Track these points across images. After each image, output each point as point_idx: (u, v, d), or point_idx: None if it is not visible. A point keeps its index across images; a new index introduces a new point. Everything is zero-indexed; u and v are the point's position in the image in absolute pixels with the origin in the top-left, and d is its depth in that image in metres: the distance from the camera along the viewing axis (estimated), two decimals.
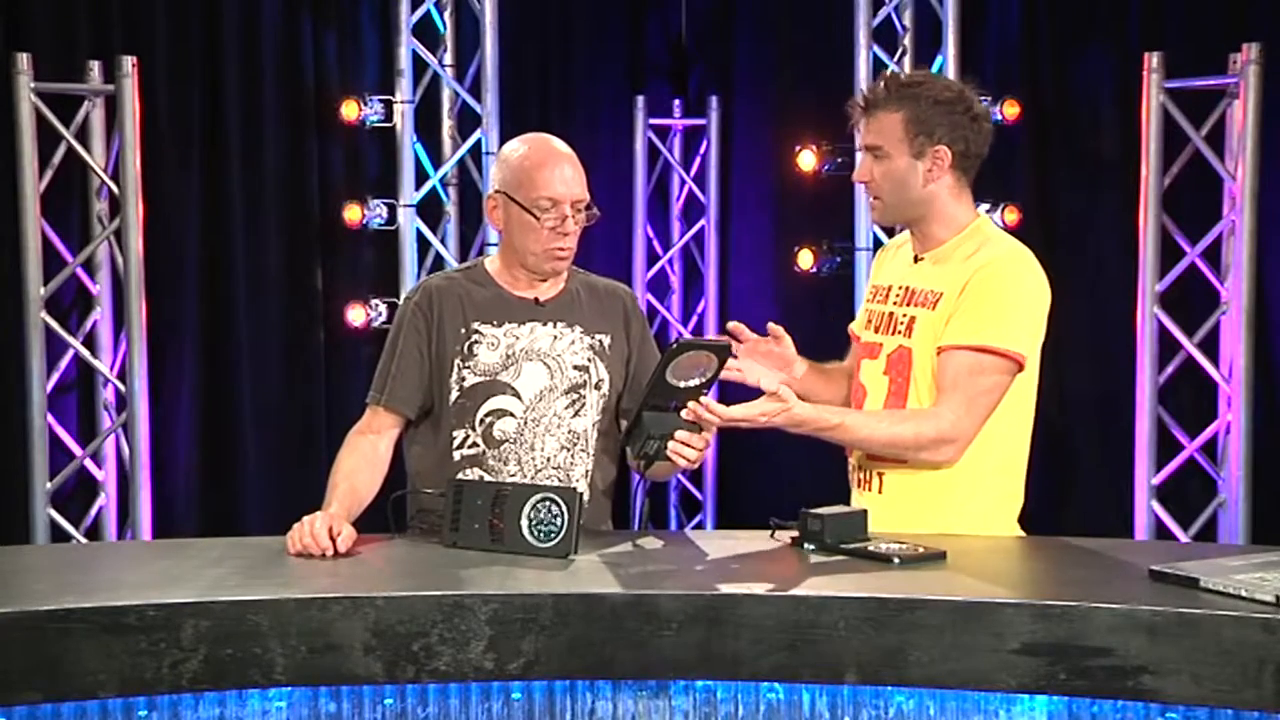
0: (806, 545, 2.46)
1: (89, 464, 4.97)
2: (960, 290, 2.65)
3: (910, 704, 2.18)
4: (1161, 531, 4.98)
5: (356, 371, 5.27)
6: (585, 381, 2.77)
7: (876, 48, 5.22)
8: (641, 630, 2.11)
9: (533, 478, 2.72)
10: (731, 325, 2.76)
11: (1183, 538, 4.92)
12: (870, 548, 2.40)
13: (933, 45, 5.27)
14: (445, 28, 5.43)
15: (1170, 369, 5.03)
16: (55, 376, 4.90)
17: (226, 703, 2.16)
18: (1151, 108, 4.88)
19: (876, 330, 2.80)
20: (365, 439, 2.75)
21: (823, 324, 4.77)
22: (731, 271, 5.99)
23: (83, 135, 4.88)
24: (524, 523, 2.42)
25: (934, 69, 5.13)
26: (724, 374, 2.53)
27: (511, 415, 2.73)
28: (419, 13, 5.28)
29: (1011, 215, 5.10)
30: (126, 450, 4.90)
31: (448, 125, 5.44)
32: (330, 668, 2.10)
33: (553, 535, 2.40)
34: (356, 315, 5.29)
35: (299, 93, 5.30)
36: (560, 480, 2.72)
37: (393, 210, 5.26)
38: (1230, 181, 4.90)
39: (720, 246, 5.98)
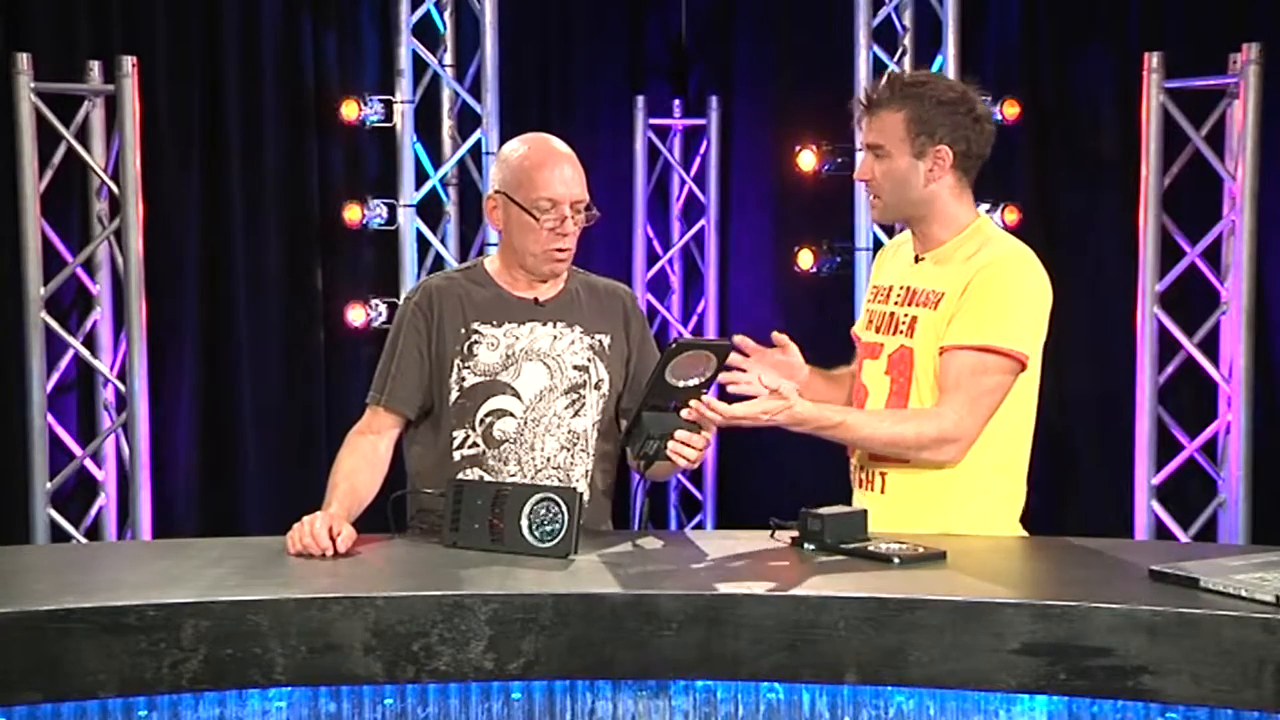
0: (806, 545, 2.46)
1: (89, 464, 4.97)
2: (962, 290, 2.65)
3: (910, 704, 2.18)
4: (1161, 531, 4.98)
5: (356, 371, 5.27)
6: (585, 381, 2.77)
7: (876, 48, 5.22)
8: (641, 630, 2.11)
9: (533, 478, 2.72)
10: (738, 339, 2.75)
11: (1183, 538, 4.92)
12: (870, 548, 2.40)
13: (933, 45, 5.27)
14: (445, 28, 5.43)
15: (1170, 369, 5.03)
16: (55, 376, 4.90)
17: (226, 703, 2.16)
18: (1151, 108, 4.88)
19: (878, 330, 2.80)
20: (365, 439, 2.75)
21: (823, 324, 4.78)
22: (731, 271, 5.99)
23: (83, 135, 4.88)
24: (524, 523, 2.42)
25: (934, 69, 5.13)
26: (735, 388, 2.53)
27: (511, 415, 2.73)
28: (419, 13, 5.28)
29: (1011, 215, 5.10)
30: (126, 450, 4.90)
31: (448, 125, 5.44)
32: (330, 668, 2.10)
33: (553, 535, 2.40)
34: (356, 315, 5.29)
35: (299, 93, 5.30)
36: (560, 480, 2.72)
37: (393, 210, 5.26)
38: (1230, 181, 4.90)
39: (720, 246, 5.98)
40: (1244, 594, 2.06)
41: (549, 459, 2.74)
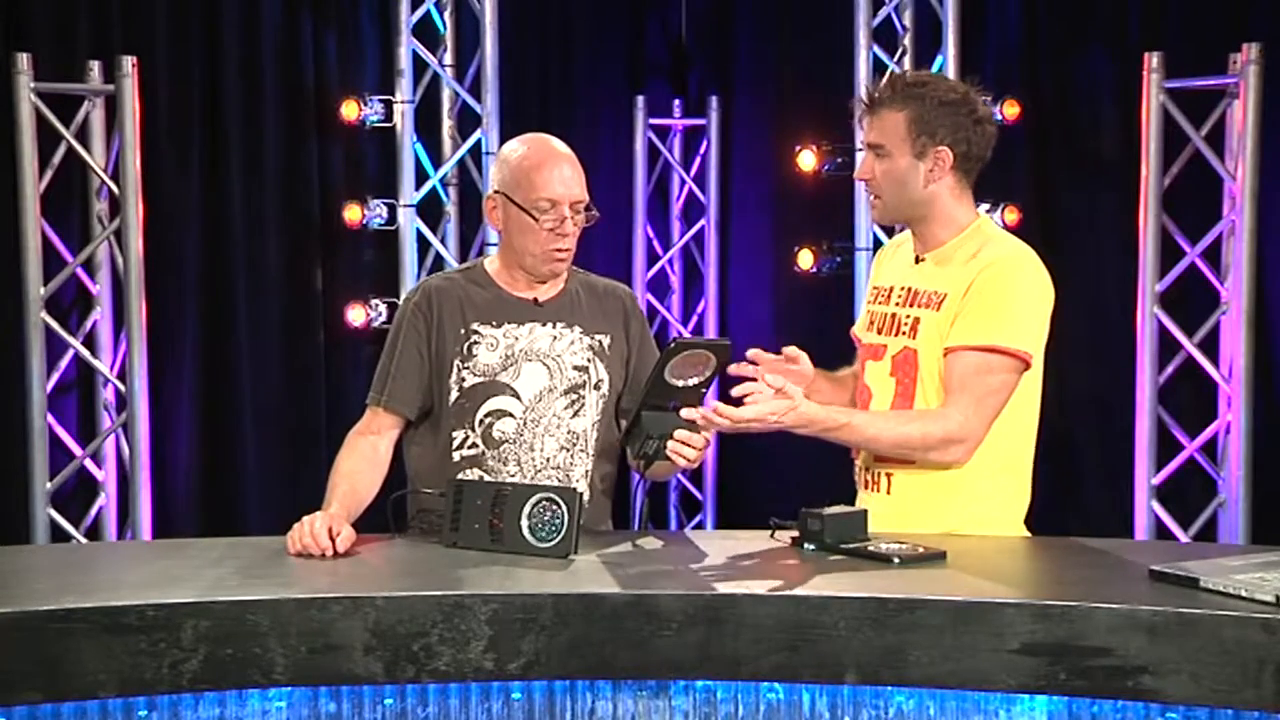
0: (806, 545, 2.46)
1: (89, 464, 4.97)
2: (965, 291, 2.65)
3: (910, 704, 2.18)
4: (1161, 531, 4.98)
5: (356, 371, 5.27)
6: (585, 382, 2.77)
7: (876, 48, 5.22)
8: (641, 630, 2.11)
9: (532, 478, 2.72)
10: (751, 353, 2.74)
11: (1183, 538, 4.92)
12: (870, 548, 2.40)
13: (933, 45, 5.27)
14: (445, 28, 5.43)
15: (1170, 369, 5.03)
16: (55, 376, 4.90)
17: (226, 703, 2.16)
18: (1151, 108, 4.88)
19: (879, 331, 2.80)
20: (365, 440, 2.75)
21: (823, 324, 4.77)
22: (731, 271, 5.99)
23: (83, 135, 4.88)
24: (524, 523, 2.42)
25: (934, 69, 5.13)
26: (739, 391, 2.53)
27: (511, 416, 2.73)
28: (419, 13, 5.28)
29: (1011, 215, 5.10)
30: (126, 450, 4.90)
31: (448, 125, 5.44)
32: (330, 668, 2.10)
33: (553, 535, 2.40)
34: (356, 315, 5.29)
35: (299, 93, 5.30)
36: (560, 480, 2.72)
37: (393, 210, 5.26)
38: (1230, 181, 4.90)
39: (720, 246, 5.98)
40: (1244, 594, 2.06)
41: (549, 459, 2.74)
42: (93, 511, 5.02)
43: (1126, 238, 5.02)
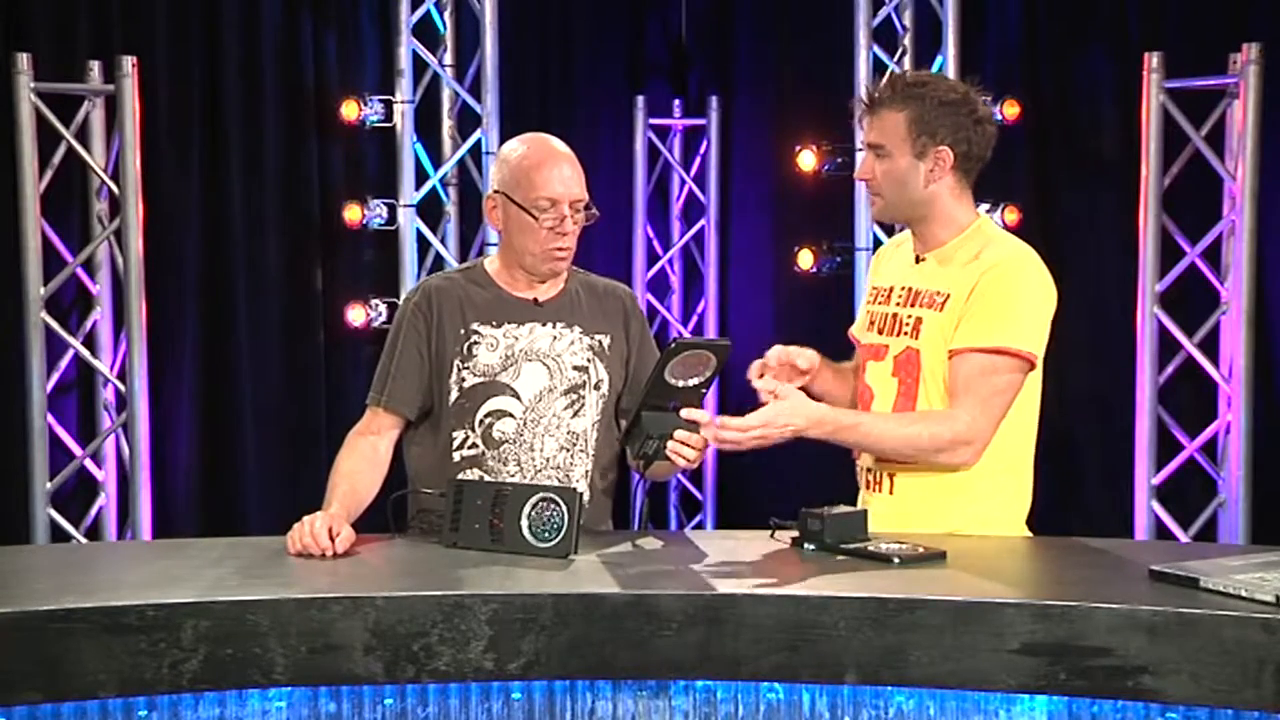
0: (806, 545, 2.46)
1: (89, 464, 4.97)
2: (969, 293, 2.65)
3: (910, 704, 2.18)
4: (1161, 531, 4.98)
5: (356, 371, 5.27)
6: (585, 382, 2.77)
7: (876, 48, 5.22)
8: (641, 630, 2.11)
9: (532, 478, 2.71)
10: (774, 351, 2.74)
11: (1183, 538, 4.92)
12: (870, 548, 2.40)
13: (933, 45, 5.27)
14: (445, 28, 5.43)
15: (1170, 369, 5.03)
16: (55, 376, 4.90)
17: (226, 703, 2.16)
18: (1151, 108, 4.88)
19: (880, 332, 2.79)
20: (365, 440, 2.75)
21: (823, 324, 4.77)
22: (731, 271, 5.98)
23: (83, 135, 4.88)
24: (524, 523, 2.42)
25: (934, 69, 5.13)
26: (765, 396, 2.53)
27: (511, 416, 2.73)
28: (419, 13, 5.28)
29: (1011, 215, 5.10)
30: (126, 450, 4.90)
31: (448, 125, 5.44)
32: (330, 668, 2.10)
33: (553, 535, 2.40)
34: (356, 315, 5.29)
35: (299, 93, 5.30)
36: (560, 480, 2.72)
37: (393, 210, 5.26)
38: (1230, 181, 4.90)
39: (720, 246, 5.98)
40: (1244, 594, 2.06)
41: (549, 459, 2.74)
42: (93, 511, 5.02)
43: (1126, 238, 5.02)
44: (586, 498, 2.68)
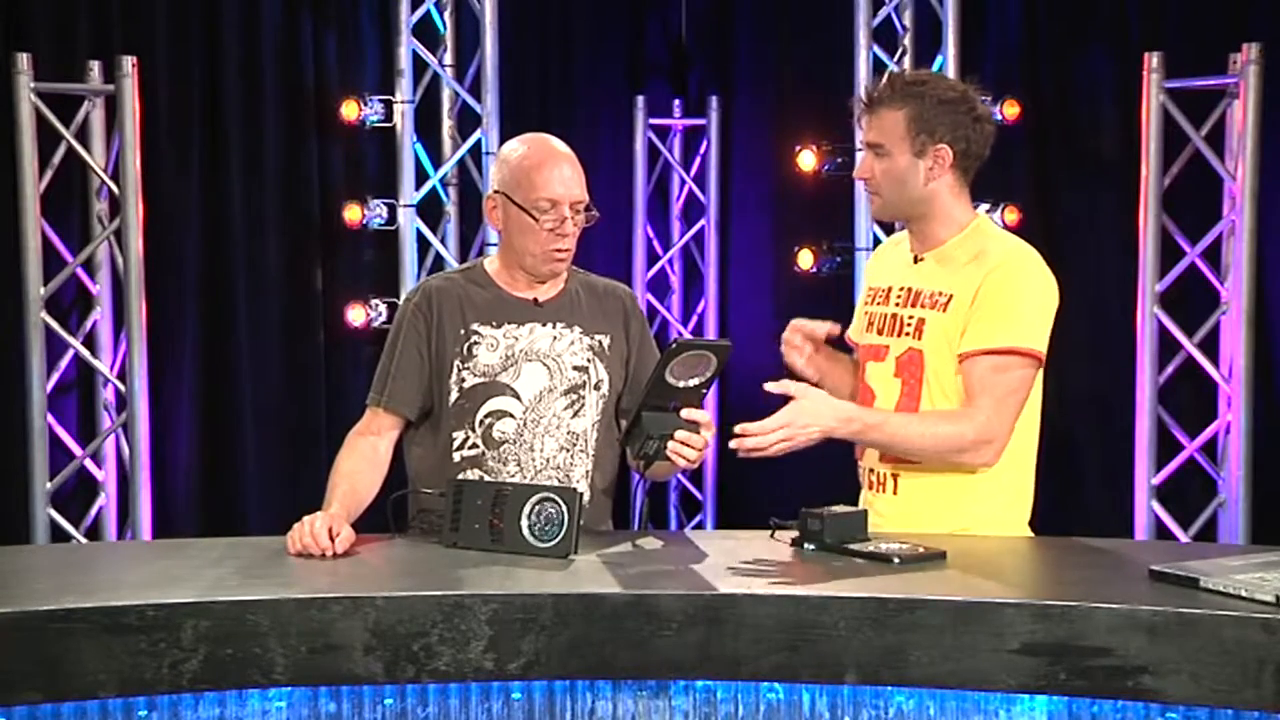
0: (806, 545, 2.46)
1: (89, 464, 4.97)
2: (973, 294, 2.65)
3: (910, 704, 2.18)
4: (1161, 531, 4.98)
5: (356, 371, 5.27)
6: (585, 382, 2.77)
7: (876, 48, 5.22)
8: (641, 630, 2.11)
9: (532, 478, 2.71)
10: (796, 325, 2.77)
11: (1183, 538, 4.92)
12: (870, 548, 2.40)
13: (933, 45, 5.27)
14: (445, 28, 5.43)
15: (1170, 369, 5.03)
16: (55, 376, 4.90)
17: (226, 703, 2.16)
18: (1151, 108, 4.88)
19: (880, 332, 2.79)
20: (365, 440, 2.75)
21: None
22: (731, 271, 5.98)
23: (83, 135, 4.88)
24: (524, 523, 2.42)
25: (934, 69, 5.13)
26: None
27: (511, 416, 2.73)
28: (419, 13, 5.28)
29: (1011, 215, 5.10)
30: (126, 450, 4.90)
31: (448, 125, 5.44)
32: (330, 668, 2.10)
33: (553, 535, 2.40)
34: (356, 315, 5.29)
35: (299, 93, 5.30)
36: (560, 481, 2.72)
37: (393, 210, 5.26)
38: (1230, 181, 4.90)
39: (720, 246, 5.98)
40: (1244, 594, 2.06)
41: (549, 460, 2.74)
42: (93, 511, 5.02)
43: (1126, 238, 5.02)
44: (586, 498, 2.68)
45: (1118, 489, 5.09)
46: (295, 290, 5.32)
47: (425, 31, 5.34)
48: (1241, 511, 4.90)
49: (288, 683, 2.10)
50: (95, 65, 4.86)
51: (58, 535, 4.86)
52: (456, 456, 2.74)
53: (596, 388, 2.78)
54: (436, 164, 5.38)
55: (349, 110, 5.23)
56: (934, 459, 2.66)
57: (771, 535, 2.55)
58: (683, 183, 6.06)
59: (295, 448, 5.28)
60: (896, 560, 2.33)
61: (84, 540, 4.87)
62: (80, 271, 4.93)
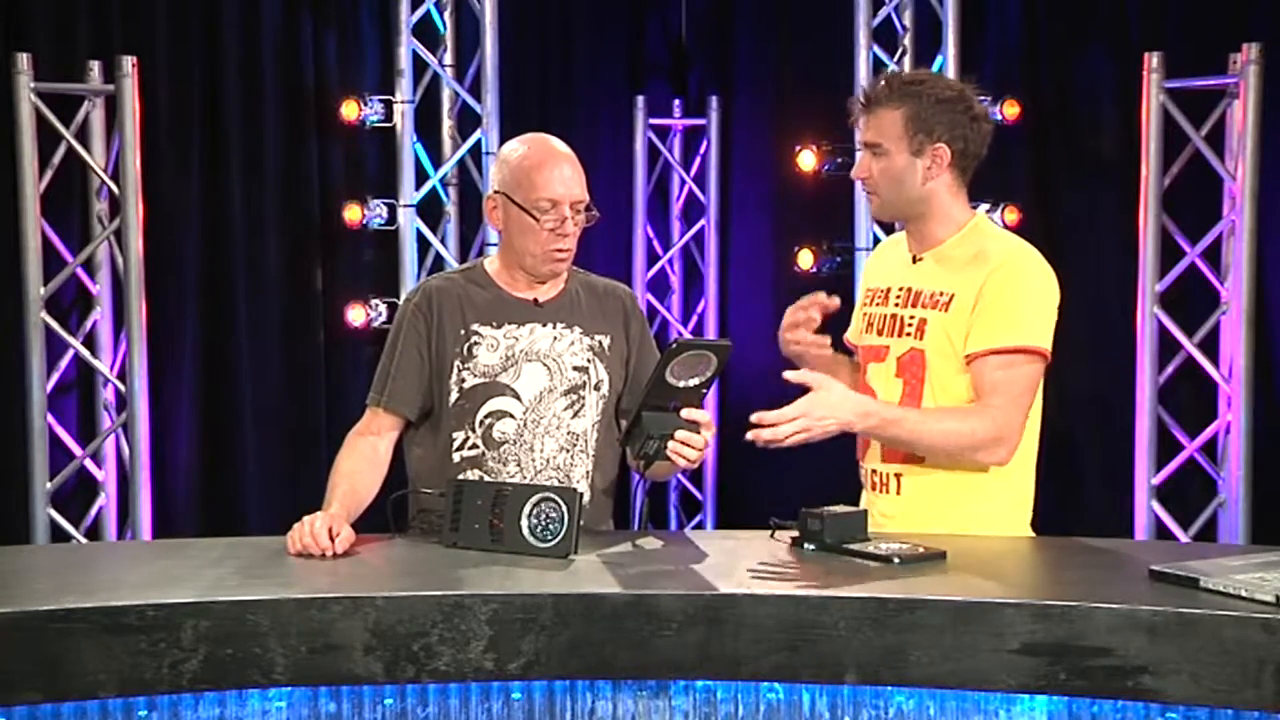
0: (806, 545, 2.46)
1: (89, 464, 4.97)
2: (976, 294, 2.64)
3: (910, 704, 2.18)
4: (1161, 531, 4.98)
5: (356, 371, 5.27)
6: (585, 382, 2.77)
7: (876, 48, 5.22)
8: (641, 630, 2.11)
9: (532, 479, 2.71)
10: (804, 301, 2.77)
11: (1183, 538, 4.92)
12: (870, 548, 2.40)
13: (933, 45, 5.27)
14: (445, 28, 5.43)
15: (1170, 369, 5.03)
16: (55, 376, 4.90)
17: (226, 703, 2.16)
18: (1151, 108, 4.88)
19: (879, 333, 2.79)
20: (365, 440, 2.75)
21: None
22: (731, 271, 5.98)
23: (83, 135, 4.88)
24: (524, 523, 2.42)
25: (934, 69, 5.13)
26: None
27: (511, 416, 2.73)
28: (419, 13, 5.28)
29: (1011, 215, 5.10)
30: (126, 450, 4.90)
31: (448, 125, 5.44)
32: (330, 668, 2.10)
33: (553, 535, 2.40)
34: (356, 315, 5.29)
35: (299, 93, 5.30)
36: (560, 481, 2.72)
37: (393, 210, 5.26)
38: (1230, 181, 4.90)
39: (720, 246, 5.98)
40: (1244, 594, 2.06)
41: (549, 460, 2.74)
42: (93, 511, 5.02)
43: (1126, 238, 5.02)
44: (587, 498, 2.68)
45: (1118, 489, 5.09)
46: (295, 290, 5.32)
47: (425, 31, 5.34)
48: (1241, 511, 4.90)
49: (288, 683, 2.10)
50: (95, 65, 4.86)
51: (58, 535, 4.86)
52: (456, 457, 2.74)
53: (596, 388, 2.78)
54: (436, 164, 5.38)
55: (349, 110, 5.23)
56: (949, 456, 2.66)
57: (771, 535, 2.55)
58: (683, 183, 6.06)
59: (295, 448, 5.28)
60: (896, 560, 2.33)
61: (84, 540, 4.87)
62: (80, 271, 4.93)
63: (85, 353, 4.94)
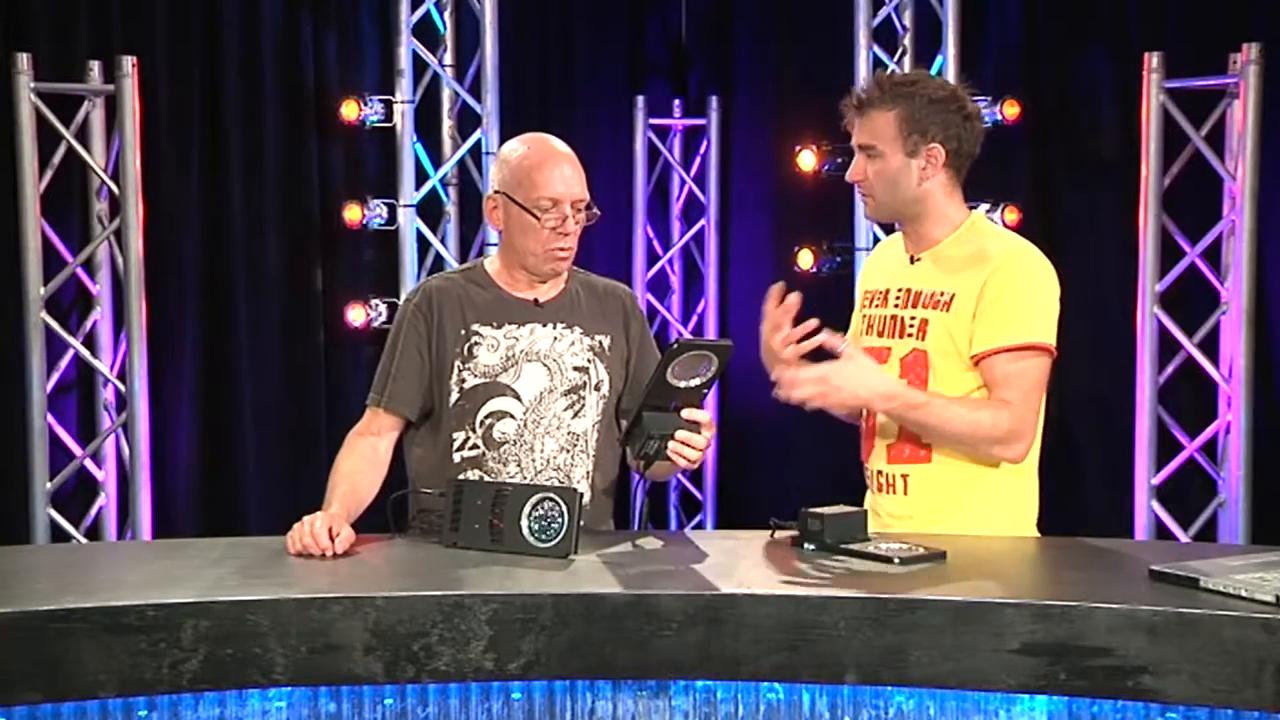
0: (806, 545, 2.46)
1: (89, 464, 4.97)
2: (978, 294, 2.64)
3: (910, 704, 2.18)
4: (1161, 531, 4.98)
5: (356, 371, 5.27)
6: (585, 383, 2.77)
7: (876, 48, 5.22)
8: (641, 630, 2.11)
9: (533, 479, 2.71)
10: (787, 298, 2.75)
11: (1183, 538, 4.92)
12: (870, 548, 2.40)
13: (933, 45, 5.27)
14: (445, 28, 5.43)
15: (1170, 369, 5.03)
16: (55, 376, 4.90)
17: (226, 703, 2.16)
18: (1151, 108, 4.88)
19: (880, 335, 2.78)
20: (365, 440, 2.75)
21: (823, 324, 4.77)
22: (731, 271, 5.99)
23: (83, 135, 4.88)
24: (524, 523, 2.42)
25: (934, 69, 5.14)
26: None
27: (511, 417, 2.73)
28: (419, 13, 5.28)
29: (1011, 215, 5.10)
30: (126, 450, 4.90)
31: (448, 125, 5.44)
32: (330, 668, 2.10)
33: (553, 535, 2.40)
34: (356, 315, 5.29)
35: (299, 93, 5.30)
36: (560, 481, 2.72)
37: (393, 210, 5.26)
38: (1230, 181, 4.90)
39: (720, 246, 5.98)
40: (1244, 594, 2.06)
41: (549, 460, 2.74)
42: (93, 511, 5.02)
43: (1126, 238, 5.02)
44: (587, 498, 2.68)
45: (1118, 489, 5.09)
46: (295, 290, 5.32)
47: (425, 31, 5.34)
48: (1241, 511, 4.90)
49: (288, 683, 2.10)
50: (95, 65, 4.86)
51: (58, 535, 4.86)
52: (457, 457, 2.74)
53: (597, 388, 2.78)
54: (436, 164, 5.38)
55: (349, 110, 5.23)
56: (964, 447, 2.65)
57: (771, 535, 2.55)
58: (683, 183, 6.06)
59: (295, 448, 5.28)
60: (896, 560, 2.33)
61: (84, 540, 4.87)
62: (80, 271, 4.93)
63: (85, 353, 4.94)
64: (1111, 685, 2.04)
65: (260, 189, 5.24)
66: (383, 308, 5.27)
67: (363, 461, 2.71)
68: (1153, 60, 4.87)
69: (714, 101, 5.92)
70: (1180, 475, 5.06)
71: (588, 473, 2.77)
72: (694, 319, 6.07)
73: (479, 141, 5.29)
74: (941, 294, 2.70)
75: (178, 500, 5.13)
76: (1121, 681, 2.03)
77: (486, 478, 2.69)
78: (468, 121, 5.39)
